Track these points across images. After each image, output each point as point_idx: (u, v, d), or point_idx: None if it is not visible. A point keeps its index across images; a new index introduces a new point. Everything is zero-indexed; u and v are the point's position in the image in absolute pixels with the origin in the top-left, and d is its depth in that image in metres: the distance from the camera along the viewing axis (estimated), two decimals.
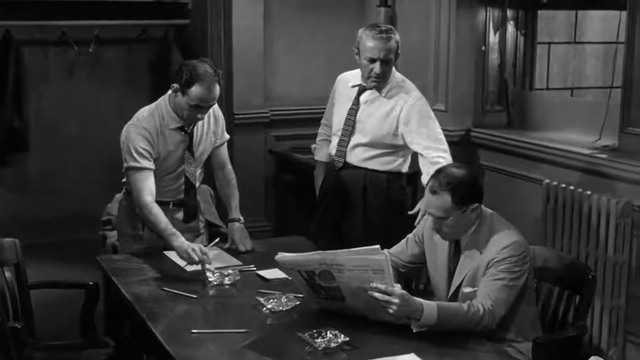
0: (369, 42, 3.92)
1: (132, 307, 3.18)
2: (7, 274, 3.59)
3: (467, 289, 3.03)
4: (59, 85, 6.46)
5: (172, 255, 3.70)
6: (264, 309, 3.09)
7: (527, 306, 3.09)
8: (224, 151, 4.00)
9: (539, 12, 5.48)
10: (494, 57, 5.38)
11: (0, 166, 6.31)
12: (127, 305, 3.28)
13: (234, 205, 3.94)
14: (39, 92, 6.40)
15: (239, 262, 3.64)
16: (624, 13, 4.44)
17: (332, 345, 2.75)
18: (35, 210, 6.31)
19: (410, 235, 3.35)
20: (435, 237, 3.18)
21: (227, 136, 4.02)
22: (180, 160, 3.80)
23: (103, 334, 3.73)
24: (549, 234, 4.61)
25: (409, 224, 3.95)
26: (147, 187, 3.66)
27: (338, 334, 2.79)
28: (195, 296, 3.25)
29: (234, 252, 3.81)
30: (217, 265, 3.55)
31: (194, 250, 3.48)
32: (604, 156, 4.44)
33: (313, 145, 4.48)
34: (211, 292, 3.34)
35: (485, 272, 2.99)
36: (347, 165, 4.10)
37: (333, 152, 4.14)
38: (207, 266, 3.49)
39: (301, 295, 3.15)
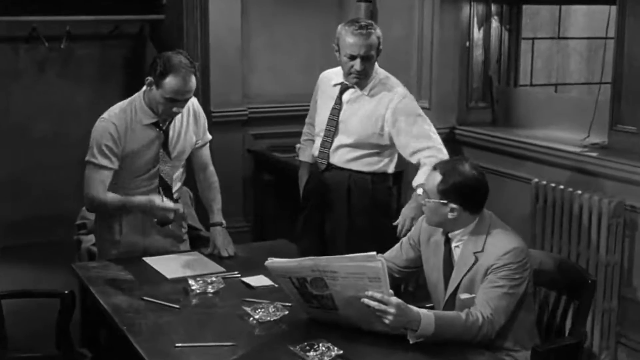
0: (348, 38, 3.78)
1: (110, 319, 3.02)
2: None
3: (464, 295, 2.91)
4: (29, 83, 6.31)
5: (152, 262, 3.56)
6: (251, 319, 2.94)
7: (526, 314, 2.97)
8: (206, 152, 3.85)
9: (524, 7, 5.38)
10: (478, 53, 5.29)
11: None
12: (105, 315, 3.12)
13: (216, 208, 3.80)
14: (8, 90, 6.25)
15: (223, 269, 3.50)
16: (613, 8, 4.36)
17: (325, 358, 2.61)
18: (6, 212, 6.16)
19: (404, 239, 3.23)
20: (432, 239, 3.07)
21: (210, 136, 3.87)
22: (155, 159, 3.64)
23: (79, 344, 3.57)
24: (537, 234, 4.51)
25: (394, 226, 3.89)
26: (100, 184, 3.55)
27: (331, 347, 2.65)
28: (177, 306, 3.09)
29: (216, 257, 3.66)
30: (200, 272, 3.40)
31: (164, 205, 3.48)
32: (594, 154, 4.35)
33: (297, 145, 4.35)
34: (194, 301, 3.18)
35: (484, 279, 2.86)
36: (330, 166, 3.96)
37: (316, 153, 4.00)
38: (189, 273, 3.35)
39: (289, 304, 3.01)
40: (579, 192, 4.28)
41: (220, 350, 2.73)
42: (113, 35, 6.41)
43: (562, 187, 4.39)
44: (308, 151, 4.18)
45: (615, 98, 4.31)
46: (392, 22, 5.45)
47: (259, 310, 2.96)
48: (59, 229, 5.64)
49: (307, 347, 2.65)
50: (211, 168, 3.87)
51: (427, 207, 2.97)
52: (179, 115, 3.63)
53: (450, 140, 5.14)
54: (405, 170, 4.33)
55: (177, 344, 2.75)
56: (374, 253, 2.68)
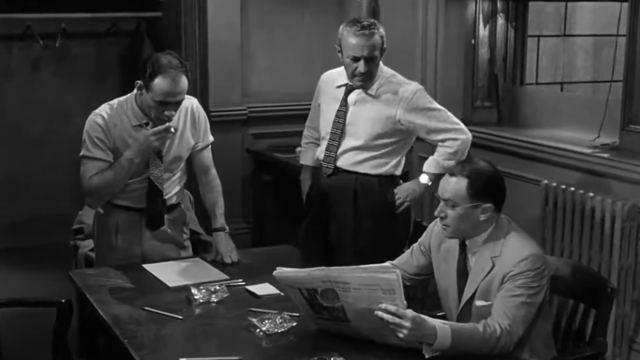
0: (351, 39, 3.65)
1: (111, 330, 2.89)
2: None
3: (480, 303, 2.79)
4: (23, 82, 6.21)
5: (152, 269, 3.44)
6: (257, 330, 2.82)
7: (543, 323, 2.85)
8: (207, 155, 3.73)
9: (529, 3, 5.27)
10: (483, 51, 5.21)
11: None
12: (104, 325, 2.99)
13: (218, 213, 3.67)
14: (2, 89, 6.15)
15: (226, 276, 3.37)
16: (624, 5, 4.26)
17: None
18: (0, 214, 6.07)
19: (415, 245, 3.12)
20: (444, 245, 2.96)
21: (211, 138, 3.75)
22: (145, 163, 3.52)
23: (76, 353, 3.45)
24: (547, 237, 4.41)
25: (399, 224, 3.83)
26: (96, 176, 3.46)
27: None
28: (180, 317, 2.96)
29: (219, 264, 3.54)
30: (202, 280, 3.28)
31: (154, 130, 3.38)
32: (605, 155, 4.25)
33: (298, 149, 4.22)
34: (197, 311, 3.05)
35: (501, 287, 2.75)
36: (337, 170, 3.84)
37: (321, 156, 3.87)
38: (192, 281, 3.24)
39: (297, 314, 2.88)
40: (591, 194, 4.18)
41: None
42: (109, 33, 6.32)
43: (572, 189, 4.28)
44: (309, 154, 4.05)
45: (627, 97, 4.20)
46: (395, 19, 5.32)
47: (266, 321, 2.83)
48: (55, 230, 5.56)
49: None
50: (213, 171, 3.75)
51: (454, 216, 2.82)
52: (175, 117, 3.50)
53: None
54: (410, 171, 4.23)
55: (180, 358, 2.62)
56: (389, 264, 2.58)
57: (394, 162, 3.83)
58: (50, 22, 6.02)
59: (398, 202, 3.80)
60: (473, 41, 5.14)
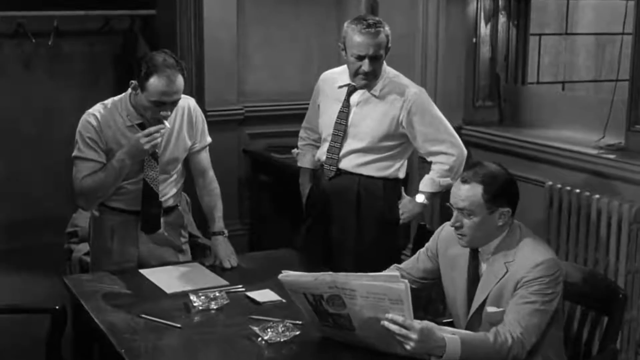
0: (355, 37, 3.57)
1: (107, 339, 2.78)
2: None
3: (491, 309, 2.71)
4: (15, 81, 6.14)
5: (149, 274, 3.35)
6: (259, 339, 2.72)
7: (555, 331, 2.77)
8: (205, 156, 3.63)
9: (531, 1, 5.18)
10: (485, 50, 5.10)
11: None
12: (99, 333, 2.89)
13: (217, 216, 3.58)
14: None
15: (225, 282, 3.27)
16: (630, 3, 4.17)
17: None
18: None
19: (421, 250, 3.03)
20: (451, 250, 2.87)
21: (209, 140, 3.66)
22: (140, 164, 3.43)
23: None
24: (552, 240, 4.32)
25: (400, 229, 3.79)
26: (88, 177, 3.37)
27: None
28: (178, 325, 2.86)
29: (218, 269, 3.44)
30: (201, 286, 3.18)
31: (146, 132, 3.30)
32: (611, 156, 4.15)
33: (295, 151, 4.13)
34: (196, 318, 2.95)
35: (514, 293, 2.66)
36: (339, 172, 3.75)
37: (323, 158, 3.78)
38: (190, 287, 3.14)
39: (300, 322, 2.79)
40: (597, 196, 4.09)
41: None
42: (103, 31, 6.26)
43: (578, 190, 4.19)
44: (308, 156, 3.96)
45: (634, 97, 4.12)
46: (394, 17, 5.20)
47: (268, 329, 2.73)
48: (47, 232, 5.52)
49: None
50: (211, 173, 3.65)
51: (470, 225, 2.72)
52: (171, 117, 3.41)
53: None
54: (410, 174, 4.15)
55: None
56: (398, 274, 2.48)
57: (398, 164, 3.76)
58: (42, 20, 5.96)
59: (403, 217, 3.77)
60: (474, 40, 5.05)
